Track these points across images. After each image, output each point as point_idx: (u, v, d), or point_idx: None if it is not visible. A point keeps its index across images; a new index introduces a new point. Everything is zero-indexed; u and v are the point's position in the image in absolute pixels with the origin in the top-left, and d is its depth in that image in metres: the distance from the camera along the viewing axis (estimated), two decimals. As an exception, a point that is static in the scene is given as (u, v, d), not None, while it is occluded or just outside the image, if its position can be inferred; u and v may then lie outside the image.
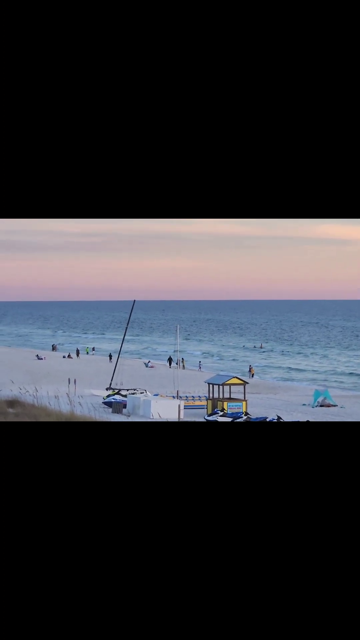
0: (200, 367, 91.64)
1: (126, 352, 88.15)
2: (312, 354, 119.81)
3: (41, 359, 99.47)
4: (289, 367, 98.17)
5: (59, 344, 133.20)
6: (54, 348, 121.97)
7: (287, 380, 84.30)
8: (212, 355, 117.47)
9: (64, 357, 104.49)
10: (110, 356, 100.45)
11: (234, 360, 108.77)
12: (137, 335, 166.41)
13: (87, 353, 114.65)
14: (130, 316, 70.03)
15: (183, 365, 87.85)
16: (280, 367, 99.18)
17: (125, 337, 69.19)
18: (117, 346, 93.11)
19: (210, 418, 49.20)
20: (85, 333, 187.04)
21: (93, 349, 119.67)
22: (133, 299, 70.73)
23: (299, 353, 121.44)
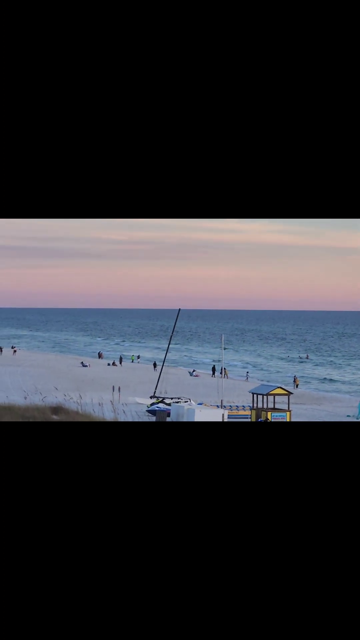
0: (247, 377, 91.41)
1: (171, 361, 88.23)
2: (357, 365, 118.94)
3: (86, 366, 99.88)
4: (334, 379, 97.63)
5: (105, 351, 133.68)
6: (100, 356, 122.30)
7: (332, 391, 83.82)
8: (256, 366, 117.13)
9: (108, 364, 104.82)
10: (155, 364, 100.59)
11: (278, 371, 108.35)
12: (182, 344, 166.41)
13: (133, 361, 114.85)
14: (175, 325, 70.14)
15: (226, 375, 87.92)
16: (325, 378, 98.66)
17: (170, 345, 69.29)
18: (161, 354, 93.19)
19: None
20: (129, 341, 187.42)
21: (138, 357, 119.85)
22: (178, 308, 70.84)
23: (344, 364, 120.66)
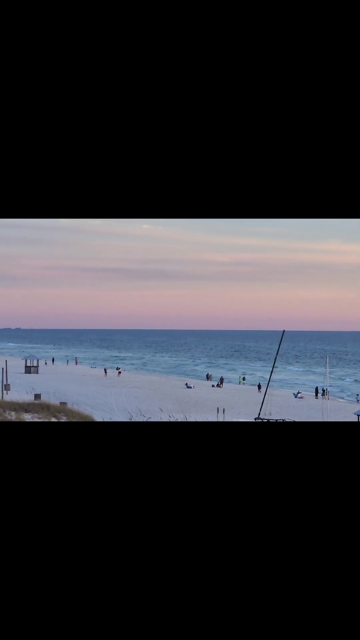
0: (358, 400, 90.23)
1: (275, 382, 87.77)
2: None
3: (190, 387, 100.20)
4: None
5: (208, 372, 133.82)
6: (208, 377, 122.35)
7: None
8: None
9: (212, 386, 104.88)
10: (259, 386, 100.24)
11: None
12: (286, 366, 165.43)
13: (239, 383, 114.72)
14: (279, 346, 69.87)
15: (327, 396, 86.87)
16: None
17: (275, 366, 69.03)
18: (266, 376, 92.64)
19: None
20: (233, 362, 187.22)
21: (244, 378, 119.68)
22: (282, 329, 70.60)
23: None
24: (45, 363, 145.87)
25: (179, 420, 47.42)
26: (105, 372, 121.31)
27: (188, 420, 52.69)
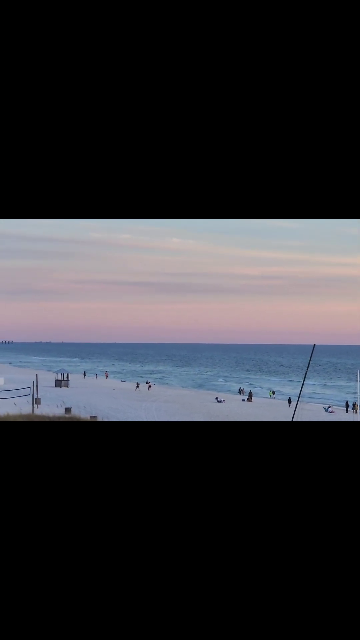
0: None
1: (305, 396, 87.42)
2: None
3: (220, 401, 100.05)
4: None
5: (236, 386, 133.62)
6: (241, 391, 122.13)
7: None
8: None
9: (243, 400, 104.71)
10: (290, 400, 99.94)
11: None
12: (317, 380, 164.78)
13: (270, 397, 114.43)
14: (310, 360, 69.63)
15: (356, 410, 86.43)
16: None
17: (305, 381, 68.76)
18: (296, 390, 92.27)
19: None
20: (262, 376, 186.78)
21: (273, 392, 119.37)
22: (313, 343, 70.33)
23: None
24: (67, 375, 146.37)
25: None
26: (137, 386, 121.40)
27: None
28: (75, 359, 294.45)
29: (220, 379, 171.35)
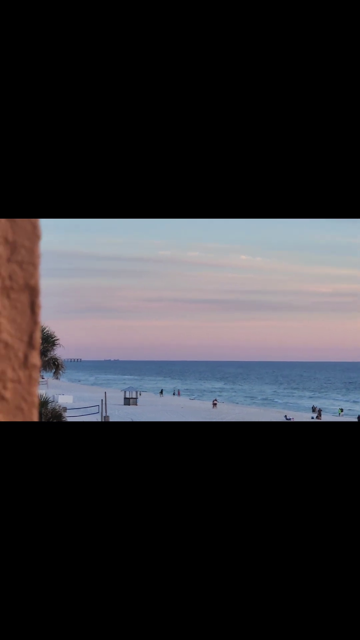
0: None
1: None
2: None
3: (289, 419, 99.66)
4: None
5: (305, 404, 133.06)
6: (314, 410, 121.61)
7: None
8: None
9: (312, 418, 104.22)
10: (359, 418, 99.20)
11: None
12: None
13: (338, 414, 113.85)
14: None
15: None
16: None
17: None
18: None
19: None
20: (332, 393, 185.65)
21: (342, 410, 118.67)
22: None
23: None
24: (140, 394, 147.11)
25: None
26: (215, 404, 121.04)
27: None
28: (142, 377, 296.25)
29: (297, 397, 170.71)
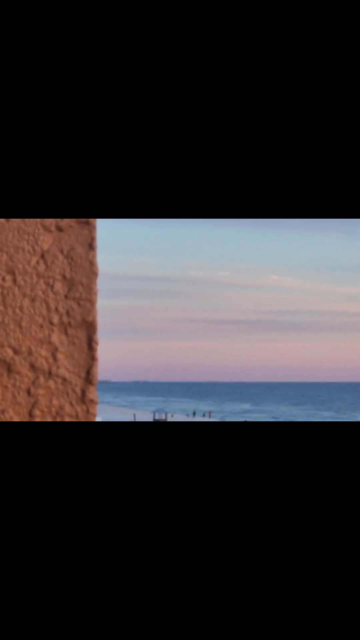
0: None
1: None
2: None
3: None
4: None
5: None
6: None
7: None
8: None
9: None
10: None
11: None
12: None
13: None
14: None
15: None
16: None
17: None
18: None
19: None
20: (354, 413, 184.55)
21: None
22: None
23: None
24: (172, 415, 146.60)
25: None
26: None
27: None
28: (173, 399, 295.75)
29: (314, 417, 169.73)
